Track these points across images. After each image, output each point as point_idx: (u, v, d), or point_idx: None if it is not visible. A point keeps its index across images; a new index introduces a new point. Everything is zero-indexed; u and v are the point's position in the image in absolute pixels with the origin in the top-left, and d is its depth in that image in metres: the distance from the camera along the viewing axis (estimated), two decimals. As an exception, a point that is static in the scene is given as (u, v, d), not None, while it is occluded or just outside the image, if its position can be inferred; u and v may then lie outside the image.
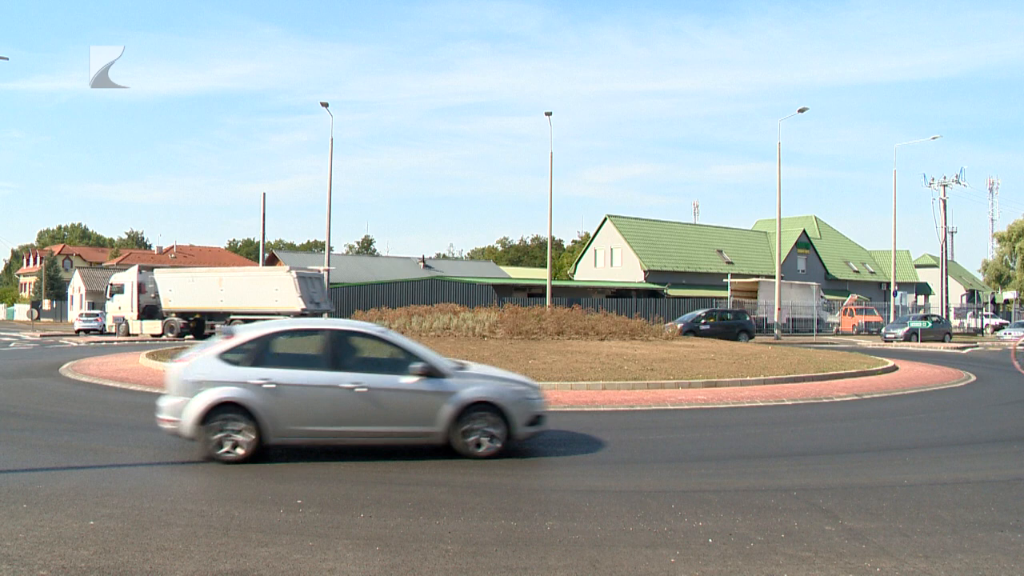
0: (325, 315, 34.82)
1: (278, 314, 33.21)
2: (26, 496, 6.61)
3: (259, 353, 8.37)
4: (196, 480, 7.60)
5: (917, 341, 36.65)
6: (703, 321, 33.56)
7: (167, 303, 35.97)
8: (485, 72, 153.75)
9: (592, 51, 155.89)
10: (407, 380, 8.41)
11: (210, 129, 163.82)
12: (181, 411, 8.05)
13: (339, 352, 8.55)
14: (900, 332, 37.59)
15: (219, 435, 8.01)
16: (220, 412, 8.00)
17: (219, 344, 8.42)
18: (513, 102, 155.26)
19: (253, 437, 8.04)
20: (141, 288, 37.49)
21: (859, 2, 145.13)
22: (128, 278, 38.42)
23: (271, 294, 33.65)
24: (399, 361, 8.58)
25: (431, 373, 8.46)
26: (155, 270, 38.49)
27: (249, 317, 33.54)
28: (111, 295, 38.83)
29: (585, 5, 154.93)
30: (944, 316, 43.60)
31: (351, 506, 6.57)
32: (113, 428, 10.58)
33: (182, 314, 35.79)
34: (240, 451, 8.03)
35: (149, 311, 37.11)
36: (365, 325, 9.45)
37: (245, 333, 8.55)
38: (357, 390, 8.23)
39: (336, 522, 6.05)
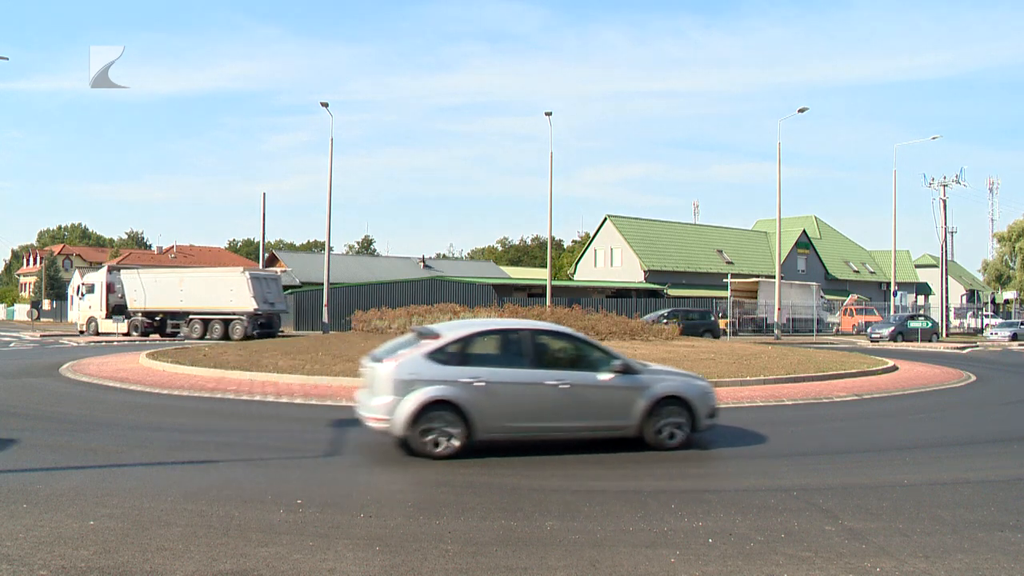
0: (280, 315, 35.39)
1: (233, 314, 33.69)
2: (26, 496, 6.60)
3: (464, 352, 8.67)
4: (196, 480, 7.59)
5: (903, 341, 36.52)
6: (665, 321, 31.56)
7: (132, 303, 36.38)
8: (485, 72, 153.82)
9: (592, 51, 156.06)
10: (604, 377, 8.87)
11: (210, 129, 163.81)
12: (392, 410, 8.23)
13: (538, 351, 8.95)
14: (886, 332, 37.36)
15: (432, 434, 8.24)
16: (431, 410, 8.25)
17: (425, 344, 8.62)
18: (513, 102, 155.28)
19: (464, 433, 8.27)
20: (110, 288, 37.72)
21: (859, 2, 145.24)
22: (98, 278, 38.66)
23: (226, 294, 33.96)
24: (593, 358, 9.05)
25: (626, 370, 8.94)
26: (122, 271, 38.72)
27: (207, 317, 33.92)
28: (82, 295, 39.03)
29: (585, 5, 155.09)
30: (944, 315, 43.59)
31: (351, 506, 6.57)
32: (113, 428, 10.58)
33: (147, 313, 36.18)
34: (455, 443, 8.27)
35: (118, 310, 37.43)
36: (556, 325, 9.99)
37: (450, 333, 8.80)
38: (560, 387, 8.62)
39: (336, 522, 6.05)
